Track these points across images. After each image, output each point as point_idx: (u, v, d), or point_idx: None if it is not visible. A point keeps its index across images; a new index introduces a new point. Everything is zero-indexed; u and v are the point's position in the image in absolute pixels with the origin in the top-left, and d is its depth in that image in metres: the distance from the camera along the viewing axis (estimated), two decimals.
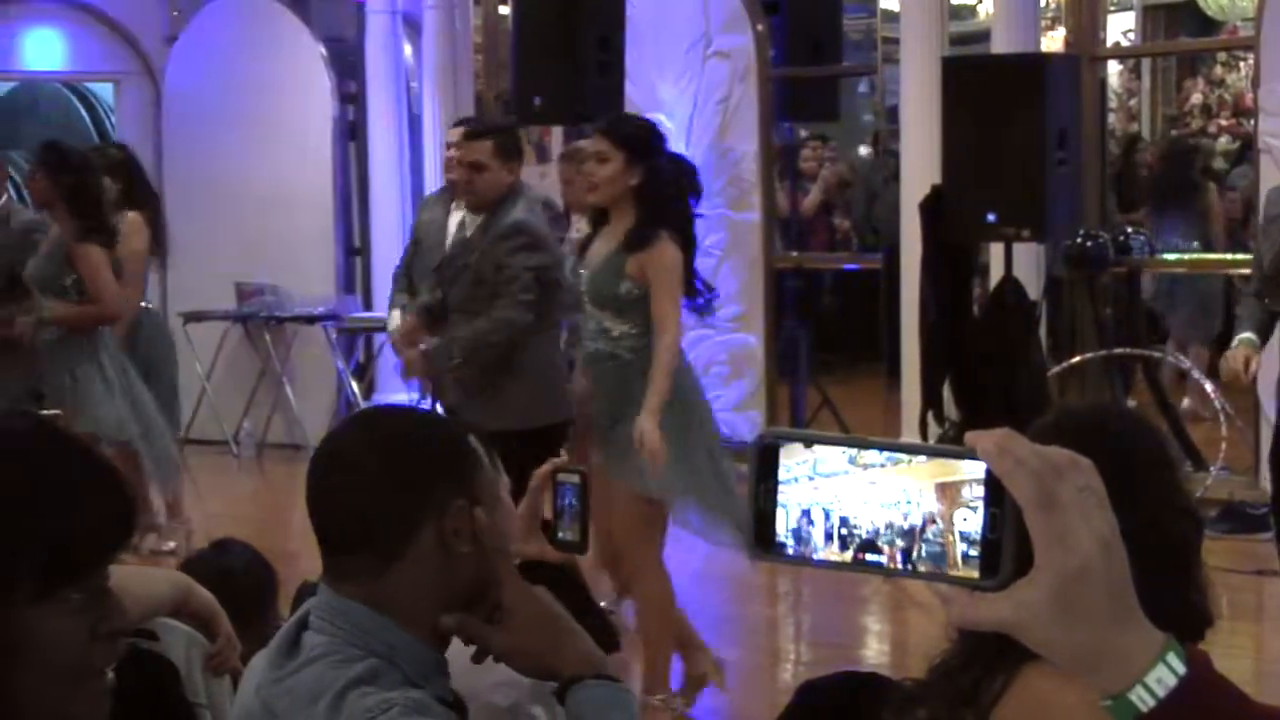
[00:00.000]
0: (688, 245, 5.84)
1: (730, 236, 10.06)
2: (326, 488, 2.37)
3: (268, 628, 3.27)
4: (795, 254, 11.49)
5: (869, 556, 1.23)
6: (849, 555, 1.23)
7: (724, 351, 10.10)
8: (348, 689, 2.21)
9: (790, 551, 1.25)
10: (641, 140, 5.82)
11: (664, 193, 5.78)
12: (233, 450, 11.40)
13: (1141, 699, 1.20)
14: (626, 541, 5.87)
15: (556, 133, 11.03)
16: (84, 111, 13.57)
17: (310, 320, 11.30)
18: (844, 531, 1.23)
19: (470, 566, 2.32)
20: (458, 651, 2.34)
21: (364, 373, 11.94)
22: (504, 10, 11.43)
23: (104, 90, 13.36)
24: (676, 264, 5.75)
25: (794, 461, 1.25)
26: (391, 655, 2.28)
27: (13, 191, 9.23)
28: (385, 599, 2.30)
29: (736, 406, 10.18)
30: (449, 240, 6.81)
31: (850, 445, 1.24)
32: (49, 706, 1.56)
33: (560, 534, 2.71)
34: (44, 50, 12.58)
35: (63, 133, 13.27)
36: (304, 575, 3.38)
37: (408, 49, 11.92)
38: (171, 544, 8.20)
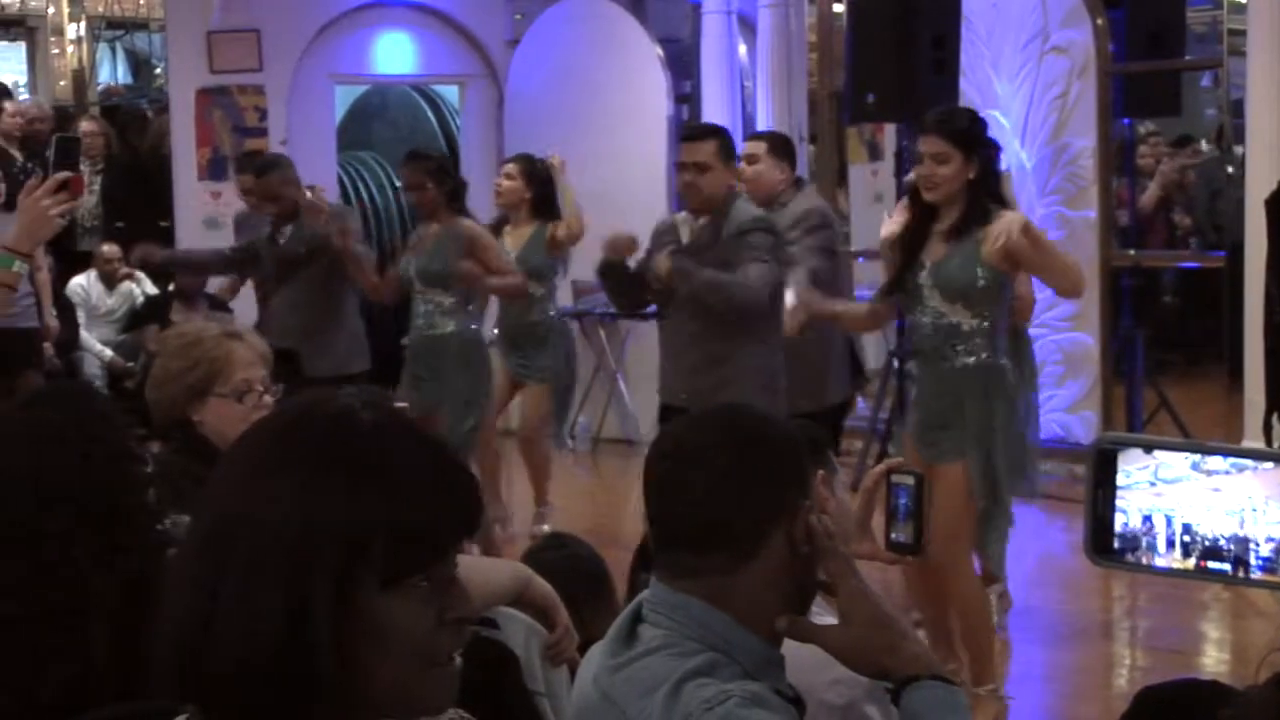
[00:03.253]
0: None
1: (1066, 234, 9.85)
2: (678, 486, 2.36)
3: (603, 619, 3.33)
4: (1133, 252, 11.21)
5: (1212, 564, 1.21)
6: (1191, 562, 1.22)
7: (1059, 351, 9.90)
8: (686, 679, 2.24)
9: (1130, 557, 1.24)
10: (975, 135, 5.81)
11: (991, 179, 5.81)
12: (568, 444, 11.59)
13: None
14: (941, 539, 5.78)
15: (889, 130, 10.96)
16: (430, 113, 13.95)
17: (644, 317, 11.42)
18: (1186, 538, 1.22)
19: (809, 567, 2.33)
20: (794, 648, 2.36)
21: None
22: (838, 8, 11.39)
23: (449, 92, 13.72)
24: (1024, 218, 5.78)
25: (1134, 467, 1.23)
26: (729, 649, 2.29)
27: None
28: (726, 596, 2.31)
29: (1070, 407, 9.98)
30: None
31: (1190, 451, 1.23)
32: (399, 690, 1.59)
33: (894, 535, 2.71)
34: (394, 54, 12.97)
35: (411, 134, 13.71)
36: None
37: (742, 48, 11.96)
38: (545, 527, 8.56)
